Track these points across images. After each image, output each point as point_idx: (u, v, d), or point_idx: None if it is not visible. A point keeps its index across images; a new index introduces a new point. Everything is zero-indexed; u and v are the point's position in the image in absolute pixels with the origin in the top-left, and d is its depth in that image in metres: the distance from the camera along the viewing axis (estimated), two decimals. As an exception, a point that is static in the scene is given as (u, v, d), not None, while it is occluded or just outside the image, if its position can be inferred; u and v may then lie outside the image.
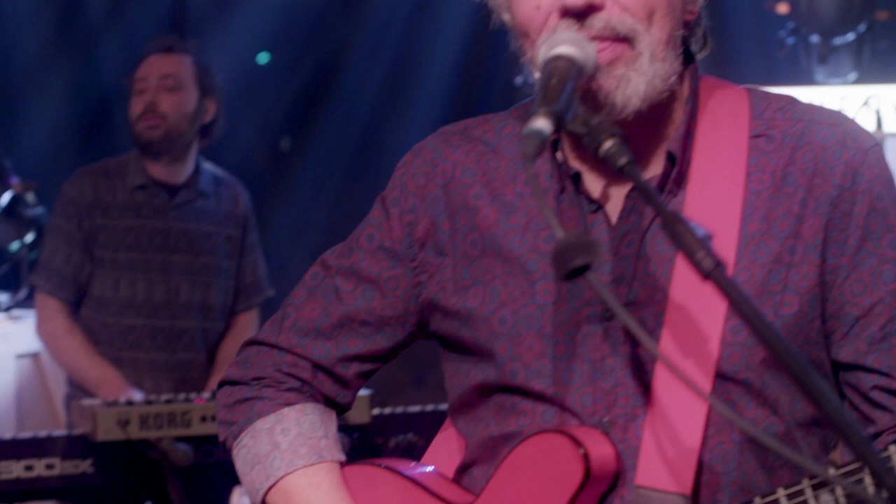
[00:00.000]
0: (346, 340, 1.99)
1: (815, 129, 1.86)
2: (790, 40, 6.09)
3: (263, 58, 7.54)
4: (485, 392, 1.91)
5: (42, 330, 4.62)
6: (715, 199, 1.83)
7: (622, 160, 1.61)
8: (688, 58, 1.92)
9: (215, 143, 4.72)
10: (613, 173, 1.80)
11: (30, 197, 5.72)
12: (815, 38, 5.96)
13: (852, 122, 1.90)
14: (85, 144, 6.10)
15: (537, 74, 1.75)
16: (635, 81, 1.78)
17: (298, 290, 2.03)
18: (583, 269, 1.49)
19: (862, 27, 5.98)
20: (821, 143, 1.85)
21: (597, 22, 1.77)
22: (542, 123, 1.60)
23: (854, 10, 5.88)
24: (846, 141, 1.85)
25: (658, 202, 1.58)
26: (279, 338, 2.01)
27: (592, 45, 1.75)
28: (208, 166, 4.76)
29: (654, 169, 1.86)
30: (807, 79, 6.06)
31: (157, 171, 4.61)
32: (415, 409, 4.25)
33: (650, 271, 1.81)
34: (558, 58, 1.71)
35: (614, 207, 1.85)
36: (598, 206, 1.85)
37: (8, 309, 5.82)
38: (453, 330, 1.93)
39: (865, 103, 4.38)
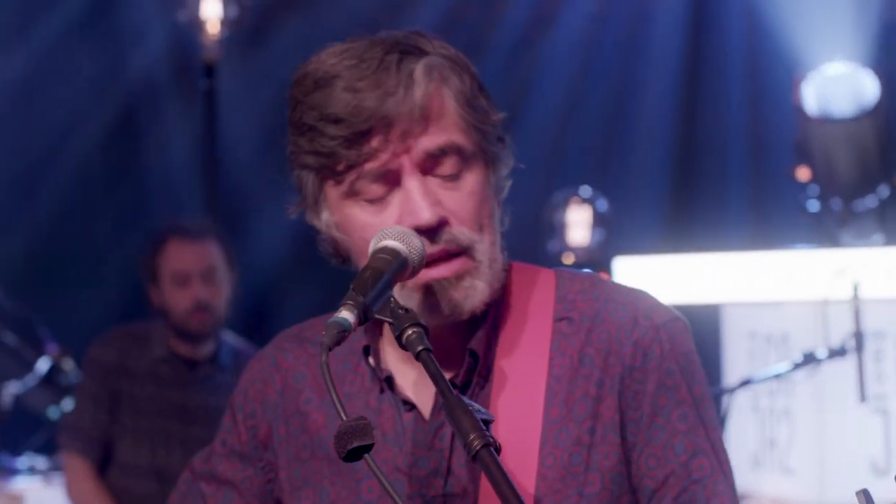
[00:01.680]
0: None
1: (609, 309, 1.93)
2: (813, 204, 6.12)
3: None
4: None
5: (71, 490, 4.77)
6: (520, 387, 1.90)
7: (419, 347, 1.72)
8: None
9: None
10: (422, 373, 1.86)
11: (66, 364, 5.88)
12: (836, 203, 5.98)
13: (648, 299, 1.96)
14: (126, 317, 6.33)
15: None
16: (480, 289, 1.88)
17: (173, 496, 2.16)
18: (363, 450, 1.61)
19: (884, 190, 6.00)
20: (614, 323, 1.92)
21: (444, 235, 1.87)
22: (346, 314, 1.71)
23: (872, 174, 5.90)
24: (638, 319, 1.92)
25: (442, 387, 1.69)
26: None
27: (419, 239, 1.83)
28: (229, 338, 4.90)
29: (462, 363, 1.93)
30: (832, 241, 6.08)
31: (183, 348, 4.78)
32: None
33: (463, 463, 1.89)
34: (382, 250, 1.80)
35: (427, 404, 1.93)
36: (412, 405, 1.94)
37: (45, 473, 5.97)
38: None
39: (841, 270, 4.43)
